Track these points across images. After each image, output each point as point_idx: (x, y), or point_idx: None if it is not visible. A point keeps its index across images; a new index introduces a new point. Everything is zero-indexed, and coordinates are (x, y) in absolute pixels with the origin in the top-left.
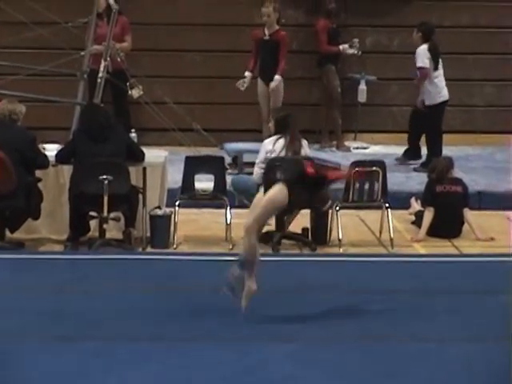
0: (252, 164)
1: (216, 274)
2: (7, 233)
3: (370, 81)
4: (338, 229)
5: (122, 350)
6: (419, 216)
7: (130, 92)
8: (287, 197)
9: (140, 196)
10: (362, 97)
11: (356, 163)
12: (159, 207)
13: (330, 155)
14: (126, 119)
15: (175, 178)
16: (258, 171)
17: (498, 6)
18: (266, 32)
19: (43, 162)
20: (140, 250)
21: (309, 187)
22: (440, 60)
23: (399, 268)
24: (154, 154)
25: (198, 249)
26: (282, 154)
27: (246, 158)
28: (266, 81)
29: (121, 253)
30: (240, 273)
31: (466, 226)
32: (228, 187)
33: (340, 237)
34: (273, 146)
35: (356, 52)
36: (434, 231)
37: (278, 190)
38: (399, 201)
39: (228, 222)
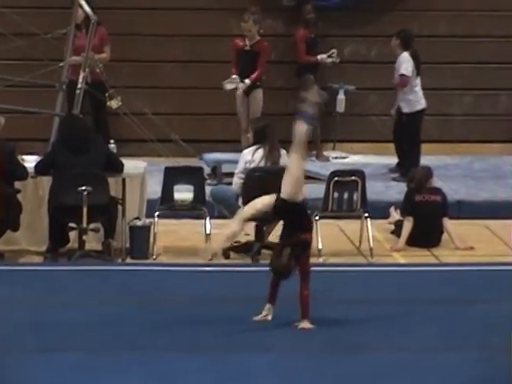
0: (231, 174)
1: (196, 285)
2: None
3: (349, 90)
4: (318, 238)
5: (103, 361)
6: (399, 225)
7: (108, 103)
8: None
9: (119, 207)
10: (340, 107)
11: (335, 173)
12: (138, 218)
13: (311, 165)
14: (105, 130)
15: (154, 188)
16: (237, 181)
17: (475, 15)
18: (248, 42)
19: (22, 173)
20: (120, 261)
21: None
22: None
23: (379, 277)
24: (133, 165)
25: (178, 259)
26: (262, 164)
27: (225, 168)
28: (244, 91)
29: (100, 264)
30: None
31: (445, 235)
32: (207, 198)
33: (320, 246)
34: (252, 156)
35: (335, 60)
36: (414, 240)
37: (271, 196)
38: (378, 210)
39: (207, 232)
